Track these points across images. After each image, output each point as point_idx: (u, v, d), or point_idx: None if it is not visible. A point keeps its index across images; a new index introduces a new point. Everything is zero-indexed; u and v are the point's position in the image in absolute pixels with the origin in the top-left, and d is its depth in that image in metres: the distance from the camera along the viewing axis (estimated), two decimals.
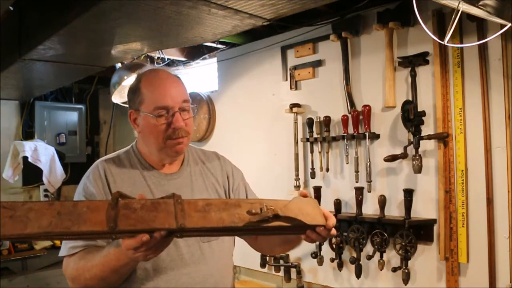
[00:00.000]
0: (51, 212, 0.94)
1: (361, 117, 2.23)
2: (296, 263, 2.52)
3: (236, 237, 1.51)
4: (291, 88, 2.60)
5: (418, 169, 1.97)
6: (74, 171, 3.79)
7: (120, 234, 0.99)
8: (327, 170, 2.40)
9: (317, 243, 2.33)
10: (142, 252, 1.03)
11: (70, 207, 0.97)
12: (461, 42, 1.90)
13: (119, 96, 2.89)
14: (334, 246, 2.29)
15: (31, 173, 3.53)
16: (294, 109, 2.50)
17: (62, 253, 1.30)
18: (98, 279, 1.20)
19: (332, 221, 1.18)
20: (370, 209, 2.23)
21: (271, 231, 1.15)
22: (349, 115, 2.28)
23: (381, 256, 2.11)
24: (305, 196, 1.22)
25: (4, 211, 0.92)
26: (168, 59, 3.06)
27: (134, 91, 1.38)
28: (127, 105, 1.44)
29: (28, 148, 3.31)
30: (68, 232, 0.94)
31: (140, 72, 1.44)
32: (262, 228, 1.09)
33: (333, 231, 1.19)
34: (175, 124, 1.31)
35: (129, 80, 2.78)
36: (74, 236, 0.98)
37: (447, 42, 1.55)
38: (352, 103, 2.28)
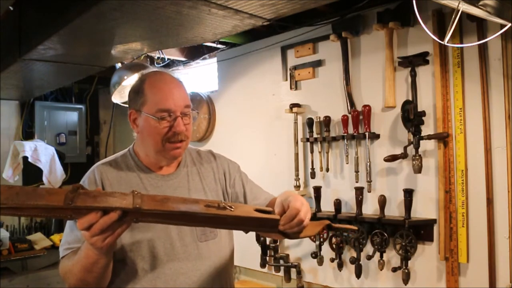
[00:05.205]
0: (9, 192, 0.97)
1: (361, 117, 2.23)
2: (296, 263, 2.52)
3: (234, 237, 1.50)
4: (291, 88, 2.60)
5: (418, 169, 1.97)
6: (74, 171, 3.79)
7: (76, 209, 1.01)
8: (327, 170, 2.40)
9: (317, 243, 2.34)
10: (98, 234, 1.03)
11: (29, 190, 1.00)
12: (461, 42, 1.90)
13: (119, 96, 2.89)
14: (334, 246, 2.29)
15: (31, 173, 3.53)
16: (294, 109, 2.50)
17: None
18: (77, 279, 1.21)
19: (289, 212, 1.16)
20: (370, 209, 2.23)
21: (232, 223, 1.18)
22: (349, 115, 2.28)
23: (381, 256, 2.11)
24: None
25: None
26: (168, 59, 3.06)
27: (136, 91, 1.37)
28: (127, 105, 1.44)
29: (28, 148, 3.31)
30: (23, 205, 0.96)
31: (143, 73, 1.43)
32: (222, 216, 1.12)
33: (305, 222, 1.18)
34: (176, 128, 1.32)
35: (129, 80, 2.77)
36: (30, 210, 0.99)
37: (447, 42, 1.55)
38: (352, 103, 2.28)
